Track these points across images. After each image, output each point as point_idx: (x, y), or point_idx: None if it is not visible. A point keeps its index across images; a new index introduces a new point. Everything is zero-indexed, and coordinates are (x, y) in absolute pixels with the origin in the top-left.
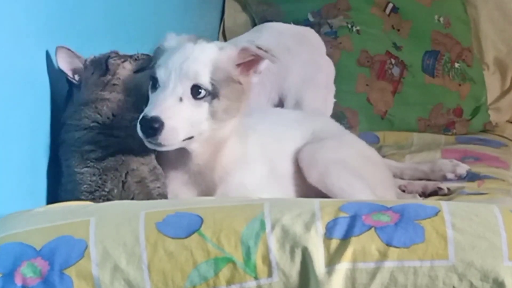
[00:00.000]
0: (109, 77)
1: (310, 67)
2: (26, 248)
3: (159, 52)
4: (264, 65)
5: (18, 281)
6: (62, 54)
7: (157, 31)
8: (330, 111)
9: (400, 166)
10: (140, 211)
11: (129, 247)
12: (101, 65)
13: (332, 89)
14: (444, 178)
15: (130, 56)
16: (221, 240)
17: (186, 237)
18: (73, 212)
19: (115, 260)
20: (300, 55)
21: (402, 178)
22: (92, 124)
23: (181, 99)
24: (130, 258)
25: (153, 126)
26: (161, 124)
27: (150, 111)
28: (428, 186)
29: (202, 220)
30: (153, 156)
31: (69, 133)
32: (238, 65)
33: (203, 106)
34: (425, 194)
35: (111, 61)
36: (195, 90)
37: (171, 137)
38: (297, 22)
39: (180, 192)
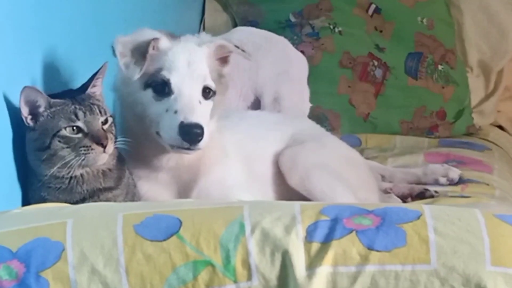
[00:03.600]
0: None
1: (282, 61)
2: (2, 250)
3: (149, 56)
4: (231, 57)
5: None
6: (26, 93)
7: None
8: (307, 110)
9: (390, 169)
10: (118, 213)
11: (107, 249)
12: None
13: (306, 88)
14: (436, 182)
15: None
16: (200, 243)
17: (164, 240)
18: (50, 213)
19: (92, 262)
20: (271, 50)
21: (391, 182)
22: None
23: (200, 102)
24: (108, 260)
25: (197, 132)
26: (202, 129)
27: (187, 117)
28: (415, 188)
29: (181, 223)
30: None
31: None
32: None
33: (210, 105)
34: (412, 197)
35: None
36: (206, 91)
37: (207, 141)
38: (278, 23)
39: (156, 191)
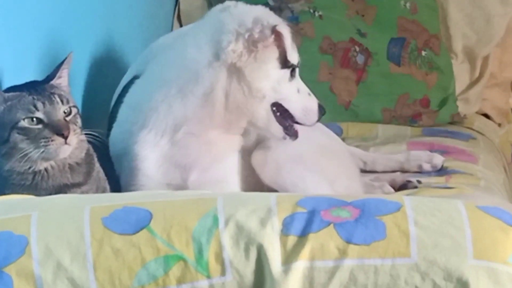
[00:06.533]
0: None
1: None
2: None
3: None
4: None
5: None
6: None
7: (109, 13)
8: None
9: (372, 155)
10: (85, 206)
11: (73, 244)
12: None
13: None
14: (420, 169)
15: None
16: (171, 236)
17: (134, 234)
18: (13, 206)
19: (58, 258)
20: None
21: (374, 169)
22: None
23: None
24: (74, 255)
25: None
26: None
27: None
28: (397, 180)
29: (151, 216)
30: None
31: None
32: None
33: None
34: (394, 188)
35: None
36: None
37: None
38: None
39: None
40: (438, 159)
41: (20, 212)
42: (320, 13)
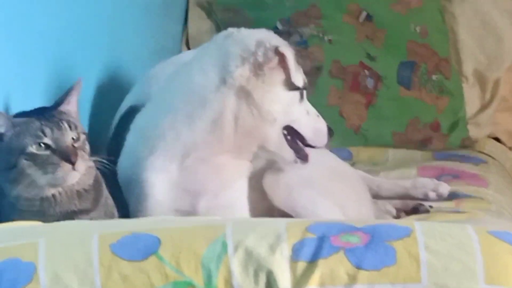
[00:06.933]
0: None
1: None
2: None
3: None
4: None
5: None
6: None
7: (116, 39)
8: None
9: (378, 180)
10: (93, 232)
11: (81, 270)
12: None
13: None
14: (426, 197)
15: None
16: (180, 263)
17: (142, 260)
18: (21, 233)
19: (66, 284)
20: None
21: (379, 194)
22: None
23: None
24: (82, 282)
25: None
26: None
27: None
28: (409, 203)
29: (160, 242)
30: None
31: None
32: None
33: None
34: (405, 212)
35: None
36: None
37: None
38: None
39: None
40: (445, 188)
41: (27, 239)
42: (330, 37)
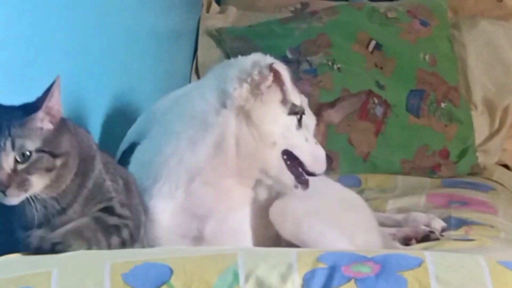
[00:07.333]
0: None
1: None
2: None
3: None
4: None
5: None
6: None
7: (127, 67)
8: None
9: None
10: (105, 262)
11: None
12: None
13: None
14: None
15: None
16: None
17: None
18: (34, 262)
19: None
20: None
21: None
22: None
23: None
24: None
25: None
26: None
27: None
28: (419, 231)
29: (172, 271)
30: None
31: None
32: None
33: None
34: (416, 239)
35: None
36: None
37: None
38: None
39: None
40: (438, 224)
41: (40, 268)
42: (339, 65)
